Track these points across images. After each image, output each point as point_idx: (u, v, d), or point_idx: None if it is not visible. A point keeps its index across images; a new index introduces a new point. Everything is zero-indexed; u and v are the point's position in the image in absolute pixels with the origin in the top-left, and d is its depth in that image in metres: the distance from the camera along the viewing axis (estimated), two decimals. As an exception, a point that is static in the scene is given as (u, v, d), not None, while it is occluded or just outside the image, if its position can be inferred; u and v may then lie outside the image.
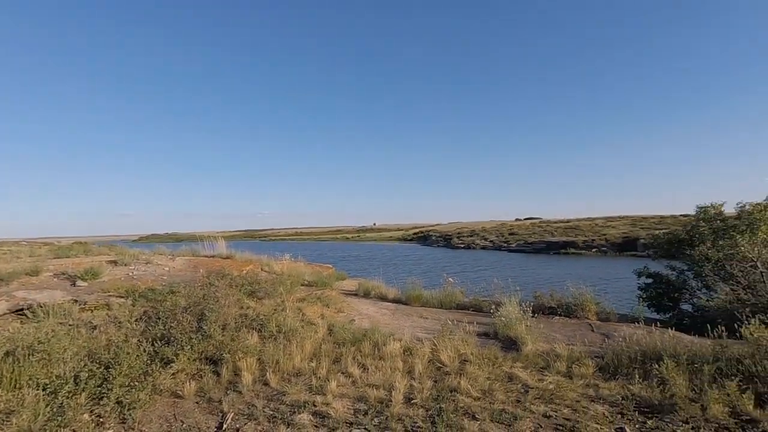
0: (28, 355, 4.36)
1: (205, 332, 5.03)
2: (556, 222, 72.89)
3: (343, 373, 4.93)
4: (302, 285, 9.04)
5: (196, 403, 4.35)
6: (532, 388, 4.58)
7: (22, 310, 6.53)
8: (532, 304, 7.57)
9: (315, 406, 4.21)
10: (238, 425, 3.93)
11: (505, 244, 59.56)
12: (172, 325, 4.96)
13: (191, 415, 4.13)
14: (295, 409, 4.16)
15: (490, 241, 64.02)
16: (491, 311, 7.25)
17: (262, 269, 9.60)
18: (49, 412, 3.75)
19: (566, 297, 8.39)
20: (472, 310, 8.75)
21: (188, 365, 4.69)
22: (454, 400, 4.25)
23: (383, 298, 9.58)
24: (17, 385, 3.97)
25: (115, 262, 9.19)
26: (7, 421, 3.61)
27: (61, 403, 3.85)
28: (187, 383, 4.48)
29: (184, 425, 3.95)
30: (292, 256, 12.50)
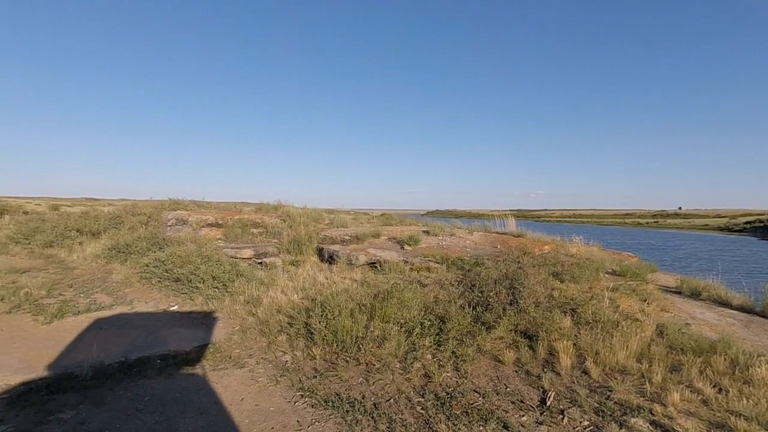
0: (387, 298, 5.67)
1: (519, 306, 5.19)
2: None
3: (686, 386, 4.05)
4: (605, 273, 8.10)
5: (515, 371, 4.55)
6: None
7: (373, 263, 8.68)
8: None
9: (653, 414, 3.64)
10: (561, 406, 3.85)
11: None
12: (489, 294, 5.36)
13: (512, 382, 4.35)
14: (626, 411, 3.72)
15: None
16: None
17: (558, 250, 9.20)
18: (406, 346, 4.78)
19: None
20: None
21: (506, 334, 4.97)
22: None
23: (722, 303, 7.39)
24: (385, 320, 5.23)
25: (427, 232, 10.90)
26: (381, 345, 4.82)
27: (414, 342, 4.83)
28: (506, 351, 4.74)
29: (508, 389, 4.20)
30: (583, 240, 11.41)
